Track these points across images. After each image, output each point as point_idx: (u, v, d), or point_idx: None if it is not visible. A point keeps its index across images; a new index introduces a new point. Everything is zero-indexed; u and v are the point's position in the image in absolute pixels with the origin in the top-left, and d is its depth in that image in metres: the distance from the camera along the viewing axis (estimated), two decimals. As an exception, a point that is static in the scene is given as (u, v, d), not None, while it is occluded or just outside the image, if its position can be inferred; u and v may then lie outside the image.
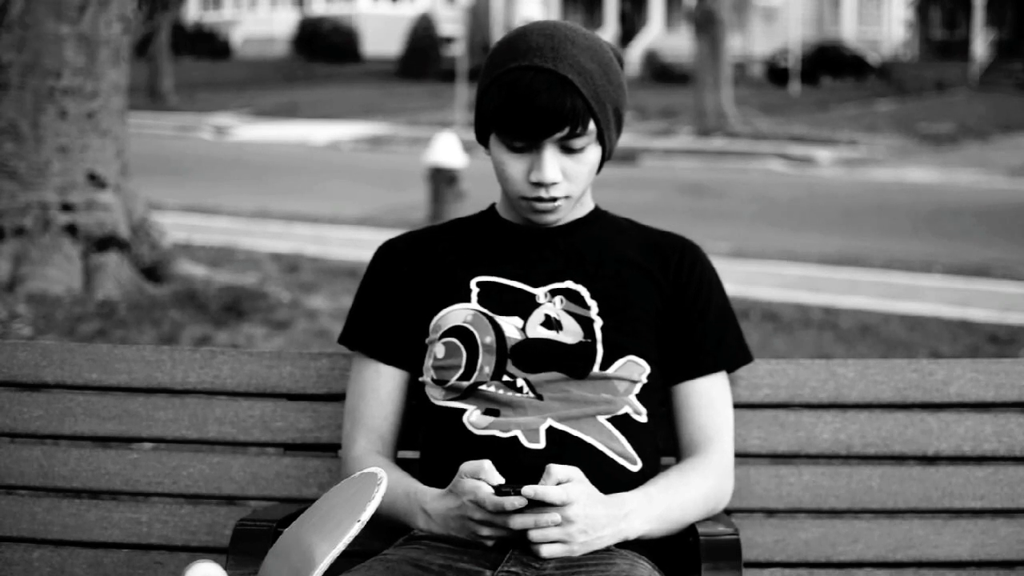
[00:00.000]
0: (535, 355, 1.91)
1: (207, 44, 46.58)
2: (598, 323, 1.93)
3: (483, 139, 1.97)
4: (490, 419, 1.88)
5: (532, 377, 1.91)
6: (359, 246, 9.95)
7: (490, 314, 1.94)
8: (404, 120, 25.48)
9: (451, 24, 38.41)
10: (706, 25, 23.58)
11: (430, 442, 1.97)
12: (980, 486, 2.09)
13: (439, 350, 1.95)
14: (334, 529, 1.65)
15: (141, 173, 8.87)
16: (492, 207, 2.08)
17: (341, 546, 1.62)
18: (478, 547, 1.81)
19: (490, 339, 1.92)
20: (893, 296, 8.44)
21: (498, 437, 1.87)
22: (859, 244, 11.23)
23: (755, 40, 37.56)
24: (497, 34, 41.37)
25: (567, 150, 1.90)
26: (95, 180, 7.08)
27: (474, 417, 1.90)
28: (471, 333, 1.93)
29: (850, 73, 36.04)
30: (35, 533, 2.15)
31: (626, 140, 23.30)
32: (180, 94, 32.14)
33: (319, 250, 9.69)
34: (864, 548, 2.08)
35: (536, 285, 1.97)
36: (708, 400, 1.98)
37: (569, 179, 1.92)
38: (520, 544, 1.78)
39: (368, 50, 43.19)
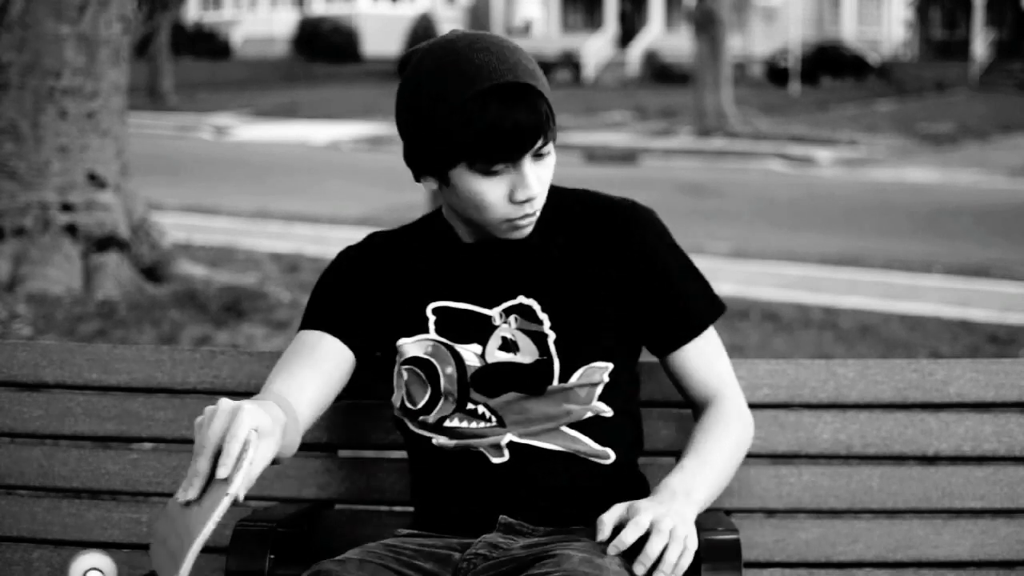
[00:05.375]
0: (495, 379, 1.90)
1: (207, 44, 46.60)
2: (551, 336, 1.90)
3: (436, 173, 1.86)
4: (456, 442, 1.91)
5: (493, 402, 1.90)
6: (359, 246, 9.93)
7: (449, 343, 1.92)
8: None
9: (451, 24, 38.37)
10: (706, 25, 23.58)
11: (411, 459, 2.01)
12: (980, 486, 2.09)
13: (404, 375, 1.94)
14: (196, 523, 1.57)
15: (141, 173, 8.87)
16: (439, 217, 2.00)
17: (200, 541, 1.54)
18: (453, 534, 1.88)
19: (451, 369, 1.91)
20: (893, 296, 8.44)
21: (467, 452, 1.90)
22: (859, 244, 11.23)
23: (755, 40, 37.57)
24: (497, 34, 41.29)
25: (538, 157, 1.84)
26: (95, 180, 7.08)
27: (441, 441, 1.92)
28: (432, 365, 1.91)
29: (850, 73, 36.06)
30: (35, 533, 2.15)
31: (626, 140, 23.30)
32: (180, 94, 32.16)
33: (319, 250, 9.69)
34: (864, 548, 2.09)
35: (490, 305, 1.92)
36: (703, 359, 1.98)
37: (543, 186, 1.87)
38: (511, 495, 1.86)
39: (368, 50, 43.21)
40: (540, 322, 1.90)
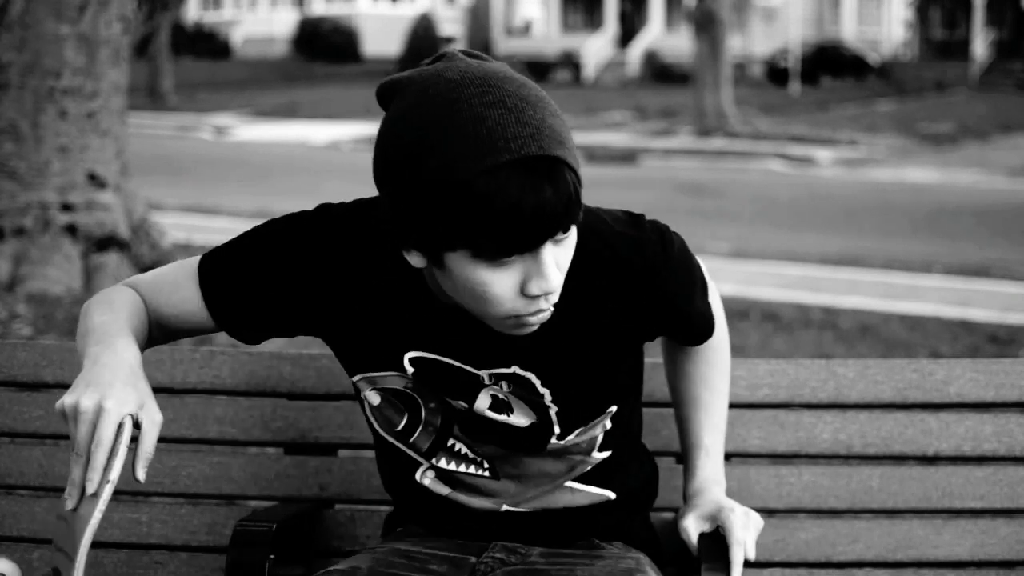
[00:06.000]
0: (483, 428, 1.69)
1: (207, 44, 46.60)
2: (553, 409, 1.68)
3: (426, 252, 1.49)
4: (447, 488, 1.76)
5: (483, 448, 1.71)
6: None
7: (432, 391, 1.69)
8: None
9: (451, 24, 38.41)
10: (706, 25, 23.58)
11: (380, 460, 1.87)
12: (980, 486, 2.09)
13: (373, 398, 1.73)
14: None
15: (141, 173, 8.87)
16: (417, 274, 1.63)
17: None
18: (464, 537, 1.79)
19: (434, 404, 1.69)
20: (893, 296, 8.44)
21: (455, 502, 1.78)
22: (859, 244, 11.23)
23: (755, 40, 37.56)
24: (497, 34, 41.36)
25: (557, 240, 1.48)
26: (95, 180, 7.08)
27: (427, 480, 1.77)
28: (414, 398, 1.70)
29: (850, 73, 36.06)
30: (35, 533, 2.15)
31: (626, 140, 23.30)
32: (180, 94, 32.15)
33: (319, 250, 9.67)
34: (864, 548, 2.08)
35: (480, 367, 1.65)
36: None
37: (562, 274, 1.51)
38: (502, 534, 1.78)
39: (368, 50, 43.20)
40: (540, 396, 1.67)
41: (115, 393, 1.51)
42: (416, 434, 1.73)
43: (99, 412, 1.49)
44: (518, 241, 1.42)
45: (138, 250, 7.25)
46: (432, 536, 1.83)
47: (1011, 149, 22.13)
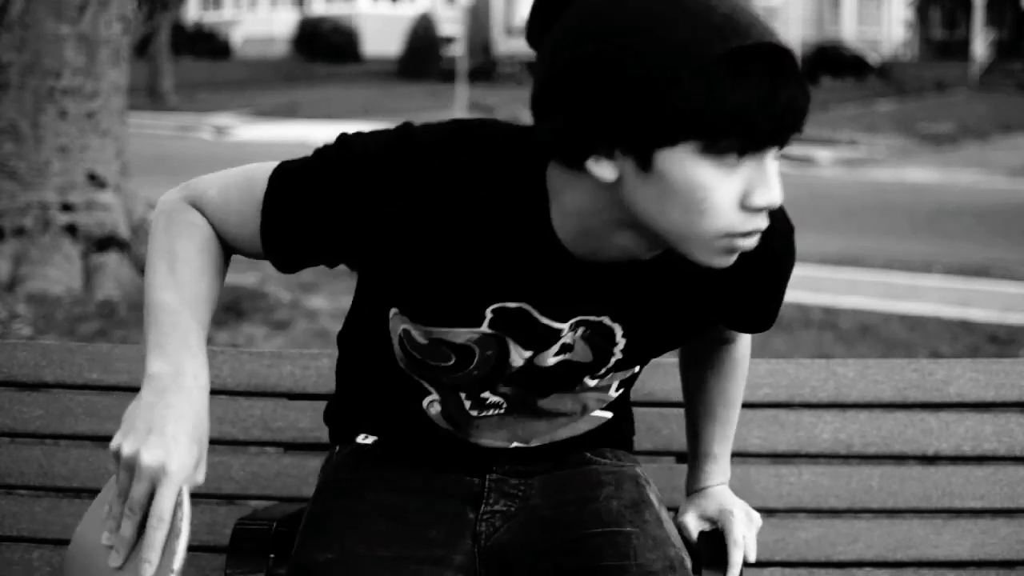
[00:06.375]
0: (530, 376, 1.62)
1: (207, 44, 46.60)
2: (616, 357, 1.62)
3: (634, 151, 1.33)
4: (452, 426, 1.70)
5: (510, 391, 1.64)
6: (359, 246, 9.94)
7: (500, 335, 1.56)
8: (404, 120, 25.48)
9: (451, 24, 38.39)
10: (706, 25, 23.57)
11: (368, 379, 1.73)
12: (980, 486, 2.09)
13: (420, 338, 1.58)
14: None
15: (141, 173, 8.87)
16: (545, 218, 1.47)
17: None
18: (450, 471, 1.71)
19: (491, 353, 1.58)
20: (893, 296, 8.44)
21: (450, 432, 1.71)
22: (859, 244, 11.22)
23: (755, 40, 37.54)
24: (497, 34, 41.34)
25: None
26: (95, 180, 7.09)
27: (433, 410, 1.68)
28: (470, 349, 1.59)
29: (850, 73, 36.05)
30: (35, 533, 2.15)
31: (626, 140, 23.27)
32: (180, 94, 32.15)
33: (319, 250, 9.68)
34: (864, 548, 2.08)
35: (565, 320, 1.56)
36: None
37: None
38: (500, 466, 1.72)
39: (368, 50, 43.20)
40: (613, 345, 1.60)
41: (180, 452, 1.35)
42: (454, 375, 1.61)
43: (160, 472, 1.34)
44: (759, 136, 1.30)
45: (138, 250, 7.25)
46: (415, 468, 1.73)
47: (1011, 149, 22.12)
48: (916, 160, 20.67)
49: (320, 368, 2.15)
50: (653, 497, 1.75)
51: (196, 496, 2.15)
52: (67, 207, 7.02)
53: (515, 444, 1.72)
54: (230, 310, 6.73)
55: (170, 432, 1.36)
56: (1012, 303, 8.21)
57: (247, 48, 47.78)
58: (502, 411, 1.67)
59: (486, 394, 1.64)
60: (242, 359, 2.16)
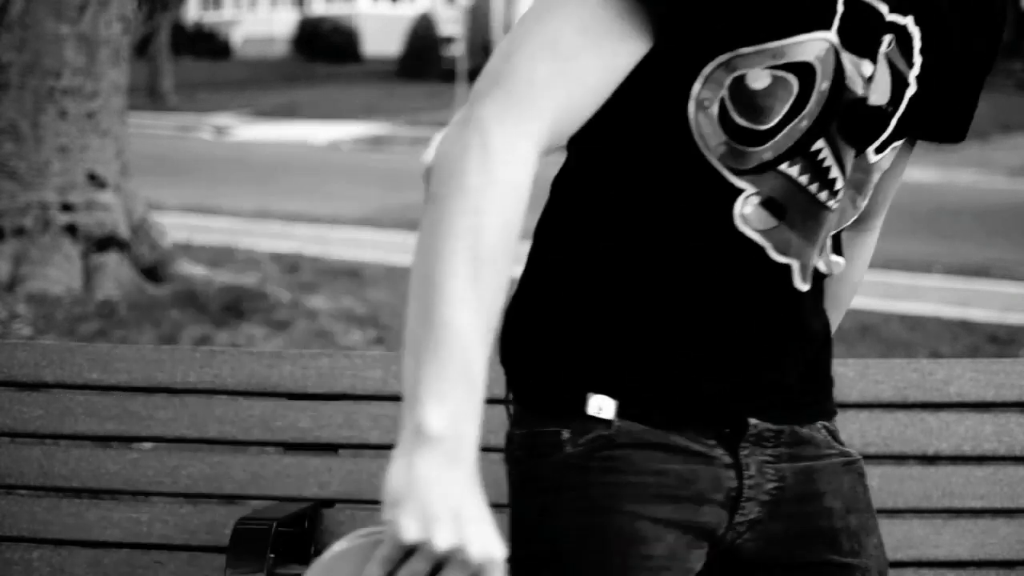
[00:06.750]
0: (855, 120, 1.37)
1: (207, 44, 46.60)
2: (911, 90, 1.40)
3: None
4: (769, 219, 1.35)
5: (843, 152, 1.37)
6: (359, 246, 9.94)
7: (841, 50, 1.33)
8: (404, 120, 25.48)
9: (451, 24, 38.37)
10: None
11: (632, 228, 1.37)
12: (980, 486, 2.09)
13: (764, 80, 1.31)
14: None
15: (141, 173, 8.87)
16: None
17: None
18: (691, 431, 1.38)
19: (827, 85, 1.34)
20: (893, 296, 8.44)
21: (767, 256, 1.36)
22: (859, 244, 11.22)
23: (755, 40, 37.56)
24: (498, 34, 41.38)
25: None
26: (95, 180, 7.09)
27: (748, 208, 1.35)
28: (813, 71, 1.33)
29: (850, 73, 36.07)
30: (35, 533, 2.15)
31: (626, 140, 23.26)
32: (180, 94, 32.16)
33: (319, 250, 9.69)
34: (864, 548, 2.08)
35: (905, 12, 1.37)
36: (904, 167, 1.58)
37: None
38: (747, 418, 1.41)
39: (368, 50, 43.21)
40: (910, 68, 1.40)
41: (496, 536, 1.15)
42: (786, 130, 1.34)
43: (491, 565, 1.13)
44: None
45: (138, 250, 7.25)
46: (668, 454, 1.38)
47: (1011, 149, 22.12)
48: (915, 160, 20.43)
49: (320, 368, 2.15)
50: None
51: (196, 496, 2.16)
52: (67, 207, 7.02)
53: (798, 284, 1.40)
54: (230, 310, 6.73)
55: (478, 516, 1.14)
56: (1012, 303, 8.21)
57: (247, 48, 47.81)
58: (824, 194, 1.37)
59: (821, 150, 1.36)
60: (242, 359, 2.17)
